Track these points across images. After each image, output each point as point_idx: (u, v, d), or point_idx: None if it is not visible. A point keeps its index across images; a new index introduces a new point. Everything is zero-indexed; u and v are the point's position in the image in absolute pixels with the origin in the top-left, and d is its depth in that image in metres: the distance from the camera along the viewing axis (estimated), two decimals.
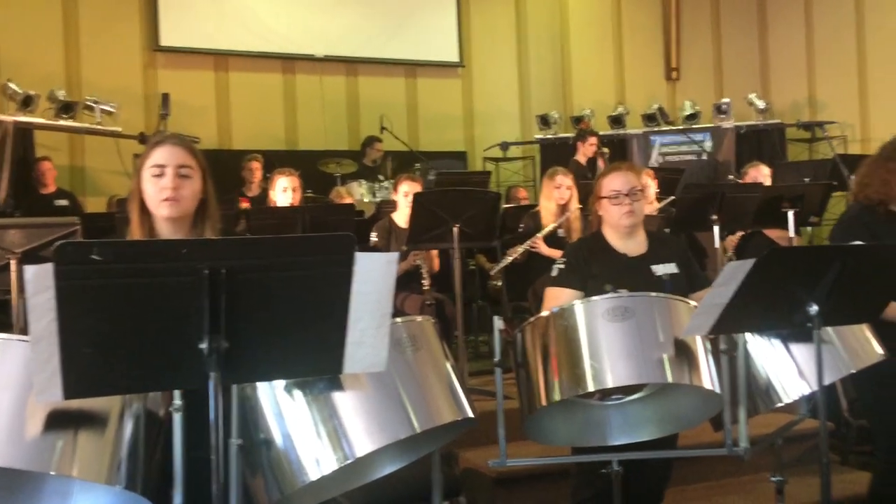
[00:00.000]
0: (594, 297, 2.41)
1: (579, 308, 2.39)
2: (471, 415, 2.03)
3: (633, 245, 2.89)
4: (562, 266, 2.86)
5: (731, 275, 2.08)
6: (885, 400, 2.97)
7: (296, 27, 9.16)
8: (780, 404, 2.57)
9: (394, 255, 1.65)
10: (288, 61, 9.16)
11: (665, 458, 2.83)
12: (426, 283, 4.47)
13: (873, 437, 3.37)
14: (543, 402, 2.35)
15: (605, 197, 2.87)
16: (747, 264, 2.07)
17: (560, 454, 2.89)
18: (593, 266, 2.82)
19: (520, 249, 4.83)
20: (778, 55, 10.27)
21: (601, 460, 2.56)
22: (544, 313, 2.45)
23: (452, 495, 3.14)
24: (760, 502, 3.28)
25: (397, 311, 4.50)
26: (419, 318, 2.07)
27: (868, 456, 4.09)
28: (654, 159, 9.38)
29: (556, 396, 2.35)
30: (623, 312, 2.33)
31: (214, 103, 8.85)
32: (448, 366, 2.08)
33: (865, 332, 2.61)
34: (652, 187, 5.53)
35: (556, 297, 2.79)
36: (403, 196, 4.72)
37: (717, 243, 4.96)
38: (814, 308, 2.20)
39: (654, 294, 2.45)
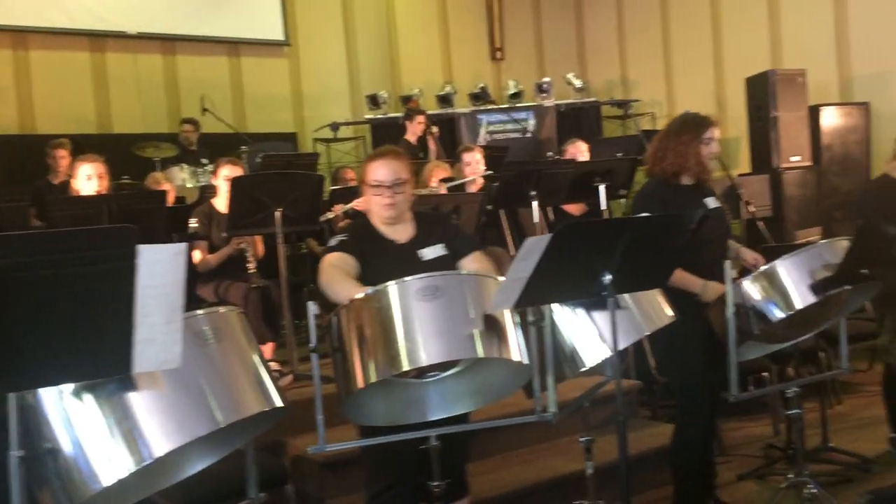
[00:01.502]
0: (407, 278, 2.43)
1: (393, 289, 2.41)
2: (279, 404, 2.00)
3: (400, 231, 2.86)
4: (343, 238, 2.82)
5: (531, 249, 2.18)
6: (676, 357, 3.24)
7: (105, 2, 8.55)
8: (584, 369, 2.73)
9: (181, 246, 1.58)
10: (97, 39, 8.55)
11: (463, 435, 2.83)
12: (251, 267, 4.34)
13: (671, 391, 3.67)
14: (360, 384, 2.36)
15: (368, 185, 2.81)
16: (545, 239, 2.17)
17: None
18: (362, 250, 2.79)
19: (339, 208, 4.84)
20: (593, 36, 10.81)
21: (420, 436, 2.60)
22: (358, 295, 2.44)
23: (279, 485, 3.10)
24: (574, 461, 3.48)
25: (220, 299, 4.37)
26: (222, 309, 2.01)
27: (673, 409, 4.46)
28: (482, 137, 9.61)
29: (373, 377, 2.37)
30: (434, 291, 2.37)
31: (13, 84, 8.12)
32: (255, 356, 2.03)
33: (658, 297, 2.82)
34: (480, 164, 5.70)
35: (337, 261, 2.73)
36: (224, 180, 4.56)
37: (535, 218, 5.16)
38: (608, 277, 2.35)
39: (464, 272, 2.52)
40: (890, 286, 3.34)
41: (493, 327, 2.41)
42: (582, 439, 2.91)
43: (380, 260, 2.75)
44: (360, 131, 9.87)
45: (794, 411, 3.13)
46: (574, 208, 5.77)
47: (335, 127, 9.37)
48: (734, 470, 4.07)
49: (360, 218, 2.96)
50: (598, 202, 5.35)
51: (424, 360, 2.36)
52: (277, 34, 9.64)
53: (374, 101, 9.45)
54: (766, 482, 3.90)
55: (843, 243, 2.90)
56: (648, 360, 4.69)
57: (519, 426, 3.35)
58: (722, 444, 4.35)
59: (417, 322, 2.36)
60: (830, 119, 7.63)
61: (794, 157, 7.45)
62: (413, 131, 7.55)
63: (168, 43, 8.98)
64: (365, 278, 2.67)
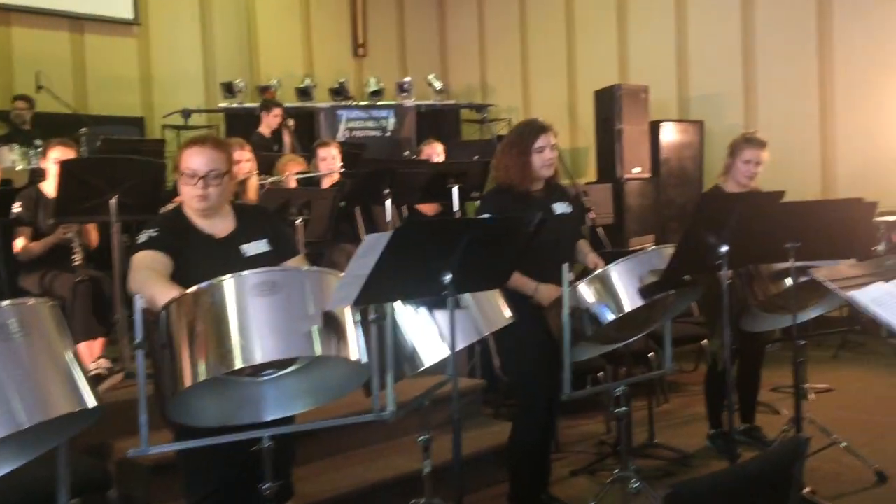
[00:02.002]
0: (244, 272, 2.35)
1: (229, 283, 2.32)
2: (91, 405, 1.87)
3: (219, 224, 2.73)
4: (153, 234, 2.65)
5: (371, 246, 2.16)
6: (515, 357, 3.33)
7: None
8: (424, 367, 2.74)
9: None
10: None
11: (286, 438, 2.75)
12: (77, 258, 4.06)
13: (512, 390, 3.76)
14: (188, 382, 2.26)
15: (181, 174, 2.66)
16: (385, 236, 2.16)
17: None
18: (176, 244, 2.65)
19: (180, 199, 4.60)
20: (455, 39, 10.97)
21: (252, 437, 2.52)
22: (191, 289, 2.33)
23: (102, 490, 2.91)
24: (415, 460, 3.49)
25: (45, 291, 4.06)
26: (32, 301, 1.85)
27: (515, 408, 4.58)
28: (342, 134, 9.52)
29: (203, 375, 2.27)
30: (272, 287, 2.30)
31: None
32: (68, 353, 1.89)
33: (497, 298, 2.88)
34: (337, 160, 5.63)
35: (147, 260, 2.58)
36: (53, 163, 4.24)
37: (388, 216, 5.16)
38: (448, 277, 2.38)
39: (304, 267, 2.47)
40: (710, 291, 3.59)
41: (332, 325, 2.37)
42: (420, 438, 2.91)
43: (196, 255, 2.62)
44: (213, 120, 9.51)
45: (620, 409, 3.29)
46: (428, 208, 5.82)
47: (186, 114, 8.97)
48: (568, 466, 4.23)
49: (174, 209, 2.78)
50: (452, 203, 5.43)
51: (259, 357, 2.29)
52: (127, 13, 9.13)
53: (229, 89, 9.14)
54: (596, 477, 4.07)
55: (669, 250, 3.08)
56: (493, 359, 4.79)
57: (360, 425, 3.32)
58: (558, 442, 4.52)
59: (253, 318, 2.28)
60: (669, 134, 8.14)
61: (636, 169, 7.88)
62: (268, 123, 7.37)
63: (2, 13, 8.28)
64: (180, 275, 2.54)
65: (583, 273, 3.38)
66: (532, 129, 3.37)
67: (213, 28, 9.73)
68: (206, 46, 9.72)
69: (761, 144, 4.13)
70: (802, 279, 3.37)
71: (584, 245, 3.61)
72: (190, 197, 2.65)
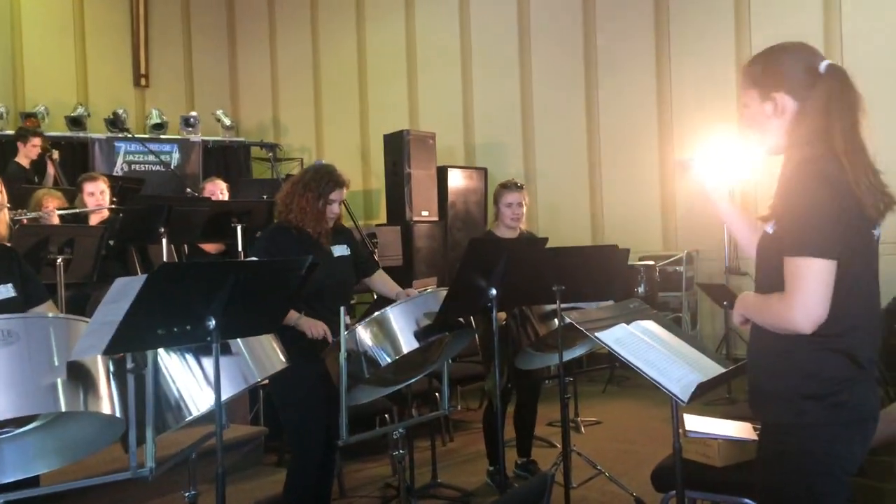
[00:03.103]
0: None
1: None
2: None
3: None
4: None
5: (122, 291, 2.00)
6: (290, 401, 3.24)
7: None
8: (190, 418, 2.57)
9: None
10: None
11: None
12: None
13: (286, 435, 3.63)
14: None
15: None
16: (138, 280, 2.02)
17: None
18: None
19: None
20: (246, 76, 10.73)
21: None
22: None
23: None
24: None
25: None
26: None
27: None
28: (119, 166, 8.94)
29: None
30: (6, 336, 2.07)
31: None
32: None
33: (272, 342, 2.79)
34: (106, 195, 5.25)
35: None
36: None
37: (164, 255, 4.88)
38: (212, 322, 2.26)
39: (50, 314, 2.25)
40: (486, 333, 3.73)
41: (79, 376, 2.17)
42: (187, 494, 2.72)
43: None
44: None
45: (398, 452, 3.29)
46: (211, 247, 5.59)
47: None
48: None
49: None
50: (236, 242, 5.26)
51: None
52: None
53: None
54: None
55: (444, 293, 3.15)
56: None
57: (119, 484, 3.05)
58: (342, 487, 4.45)
59: None
60: (456, 180, 8.46)
61: (424, 212, 8.09)
62: (26, 154, 6.73)
63: None
64: None
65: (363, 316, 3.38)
66: (330, 180, 3.36)
67: None
68: None
69: (518, 188, 4.40)
70: (567, 321, 3.59)
71: (384, 277, 3.61)
72: None
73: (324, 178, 3.35)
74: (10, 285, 2.49)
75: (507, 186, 4.38)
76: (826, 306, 1.75)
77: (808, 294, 1.74)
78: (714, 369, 2.14)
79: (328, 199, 3.33)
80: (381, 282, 3.60)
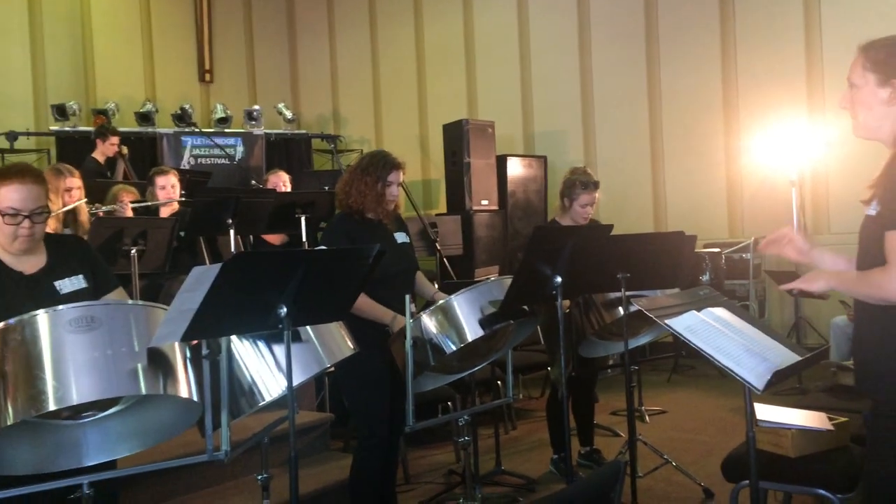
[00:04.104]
0: (59, 307, 2.18)
1: (42, 319, 2.15)
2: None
3: (28, 260, 2.53)
4: None
5: (198, 280, 2.06)
6: (356, 388, 3.29)
7: None
8: (262, 403, 2.64)
9: None
10: None
11: (109, 484, 2.55)
12: None
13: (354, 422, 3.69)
14: None
15: (3, 213, 2.44)
16: (214, 269, 2.07)
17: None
18: None
19: None
20: (306, 70, 10.89)
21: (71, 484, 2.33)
22: None
23: None
24: (254, 500, 3.36)
25: None
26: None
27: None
28: (186, 161, 9.18)
29: (10, 419, 2.08)
30: (89, 322, 2.15)
31: None
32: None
33: (339, 329, 2.83)
34: (177, 188, 5.42)
35: None
36: None
37: (232, 246, 5.00)
38: (283, 310, 2.31)
39: (129, 301, 2.33)
40: (550, 321, 3.71)
41: (158, 362, 2.24)
42: (259, 477, 2.80)
43: (4, 294, 2.41)
44: (43, 144, 8.91)
45: (463, 439, 3.31)
46: (274, 238, 5.70)
47: (13, 136, 8.36)
48: (417, 497, 4.21)
49: None
50: (300, 233, 5.35)
51: (75, 398, 2.12)
52: None
53: (61, 111, 8.59)
54: None
55: (509, 281, 3.15)
56: None
57: (195, 467, 3.16)
58: (407, 473, 4.50)
59: (69, 356, 2.12)
60: (515, 168, 8.43)
61: (484, 201, 8.09)
62: (103, 151, 6.97)
63: None
64: None
65: (425, 305, 3.41)
66: (387, 163, 3.40)
67: (44, 47, 9.14)
68: (37, 66, 9.11)
69: (595, 186, 4.27)
70: (633, 308, 3.54)
71: (423, 278, 3.65)
72: (10, 237, 2.44)
73: (380, 162, 3.39)
74: (80, 276, 2.55)
75: (587, 186, 4.22)
76: None
77: None
78: (790, 357, 2.09)
79: (386, 181, 3.36)
80: (420, 283, 3.62)
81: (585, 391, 4.56)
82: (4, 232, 2.44)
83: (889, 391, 1.90)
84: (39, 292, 2.45)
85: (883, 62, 1.97)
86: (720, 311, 2.18)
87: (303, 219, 5.34)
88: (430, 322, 3.07)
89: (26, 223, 2.43)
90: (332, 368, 3.05)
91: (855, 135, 2.07)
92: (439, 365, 3.21)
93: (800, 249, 2.19)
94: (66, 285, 2.51)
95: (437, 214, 8.26)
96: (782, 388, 5.62)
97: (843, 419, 2.98)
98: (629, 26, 8.48)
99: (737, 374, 1.95)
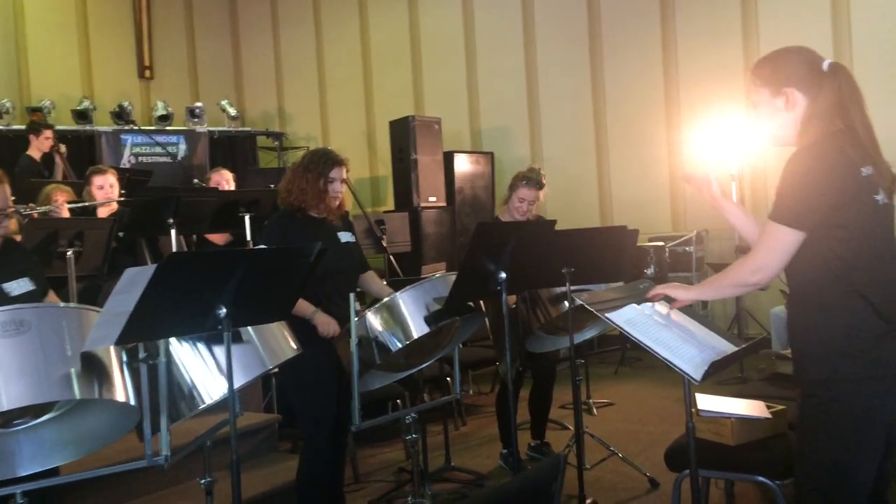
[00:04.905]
0: None
1: None
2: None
3: None
4: None
5: (133, 281, 2.01)
6: (301, 388, 3.25)
7: None
8: (203, 406, 2.58)
9: None
10: None
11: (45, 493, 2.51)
12: None
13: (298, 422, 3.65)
14: None
15: None
16: (149, 270, 2.02)
17: None
18: None
19: None
20: (250, 66, 10.72)
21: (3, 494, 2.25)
22: None
23: None
24: None
25: None
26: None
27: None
28: (126, 159, 8.96)
29: None
30: (18, 326, 2.08)
31: None
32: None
33: (283, 330, 2.80)
34: (115, 188, 5.28)
35: None
36: None
37: (174, 246, 4.90)
38: (223, 311, 2.26)
39: (61, 304, 2.26)
40: (497, 316, 3.73)
41: (93, 366, 2.18)
42: (202, 481, 2.75)
43: None
44: None
45: (411, 436, 3.30)
46: (218, 237, 5.60)
47: None
48: (367, 496, 4.18)
49: None
50: (244, 232, 5.26)
51: (5, 404, 2.06)
52: None
53: None
54: None
55: (453, 277, 3.15)
56: None
57: (137, 473, 3.08)
58: (356, 472, 4.47)
59: None
60: (462, 165, 8.44)
61: (432, 198, 8.08)
62: (38, 146, 6.76)
63: None
64: None
65: (372, 303, 3.39)
66: (328, 159, 3.38)
67: None
68: None
69: (538, 185, 4.31)
70: (577, 303, 3.58)
71: (375, 277, 3.62)
72: None
73: (321, 159, 3.38)
74: (27, 279, 2.52)
75: (528, 181, 4.26)
76: (779, 268, 2.00)
77: (766, 255, 1.99)
78: (727, 348, 2.13)
79: (328, 177, 3.34)
80: (372, 282, 3.60)
81: (543, 385, 4.59)
82: None
83: (818, 373, 1.97)
84: None
85: (770, 75, 2.10)
86: (659, 305, 2.22)
87: (247, 217, 5.24)
88: (375, 320, 3.05)
89: None
90: (276, 370, 3.02)
91: (771, 145, 2.19)
92: (385, 363, 3.20)
93: (713, 195, 2.39)
94: (14, 287, 2.49)
95: (384, 212, 8.23)
96: (724, 377, 5.75)
97: (780, 407, 3.05)
98: (573, 24, 8.56)
99: (675, 366, 1.99)
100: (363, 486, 4.37)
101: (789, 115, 2.07)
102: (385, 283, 3.87)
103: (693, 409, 2.68)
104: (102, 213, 5.16)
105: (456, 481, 4.38)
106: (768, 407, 3.04)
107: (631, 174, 8.27)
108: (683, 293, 2.22)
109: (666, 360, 2.00)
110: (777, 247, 1.98)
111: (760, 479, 2.82)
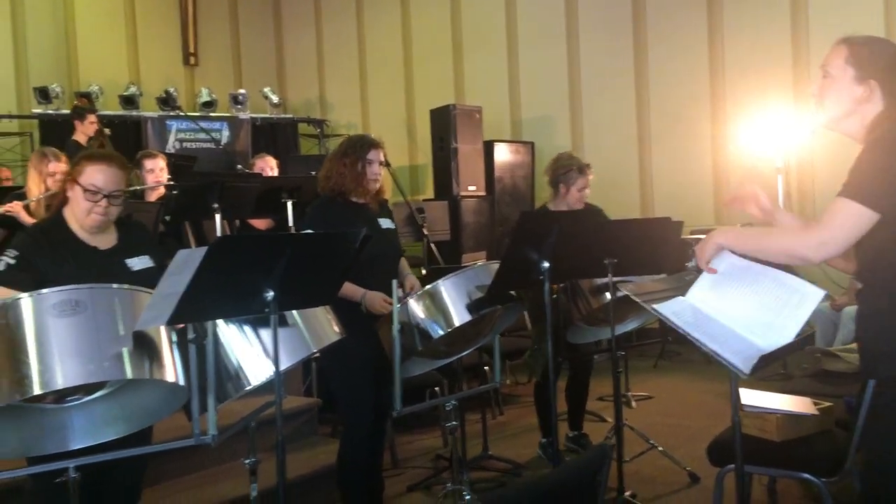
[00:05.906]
0: (43, 290, 2.17)
1: (25, 302, 2.14)
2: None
3: (103, 238, 2.70)
4: (11, 261, 2.50)
5: (184, 263, 2.05)
6: (342, 373, 3.28)
7: None
8: (248, 388, 2.63)
9: None
10: None
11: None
12: None
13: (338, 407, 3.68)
14: None
15: (81, 187, 2.61)
16: (199, 252, 2.05)
17: (13, 467, 2.55)
18: (54, 258, 2.55)
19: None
20: (292, 53, 10.80)
21: (58, 468, 2.32)
22: None
23: None
24: (242, 485, 3.35)
25: None
26: None
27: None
28: (171, 144, 9.11)
29: None
30: (74, 306, 2.14)
31: None
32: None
33: (326, 314, 2.82)
34: (164, 172, 5.38)
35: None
36: None
37: (218, 231, 4.96)
38: (270, 294, 2.30)
39: (114, 285, 2.30)
40: (537, 306, 3.71)
41: (144, 346, 2.23)
42: (247, 461, 2.79)
43: (77, 266, 2.52)
44: (26, 126, 8.81)
45: (450, 423, 3.31)
46: (260, 223, 5.67)
47: None
48: (405, 482, 4.22)
49: (54, 218, 2.68)
50: (286, 218, 5.31)
51: (60, 382, 2.12)
52: None
53: (44, 94, 8.49)
54: (432, 492, 4.08)
55: (496, 266, 3.15)
56: None
57: (184, 450, 3.14)
58: (395, 457, 4.51)
59: (53, 340, 2.12)
60: (502, 154, 8.41)
61: (471, 187, 8.07)
62: (84, 131, 6.88)
63: None
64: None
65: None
66: (364, 143, 3.42)
67: (26, 30, 9.03)
68: (18, 49, 9.00)
69: (590, 169, 4.31)
70: (620, 294, 3.55)
71: (404, 264, 3.64)
72: (86, 214, 2.61)
73: (358, 143, 3.43)
74: (147, 257, 2.71)
75: (582, 170, 4.25)
76: (844, 248, 1.88)
77: (835, 230, 1.88)
78: (778, 339, 2.07)
79: (366, 159, 3.37)
80: (402, 269, 3.62)
81: (579, 377, 4.58)
82: (82, 207, 2.60)
83: (891, 369, 1.90)
84: (111, 268, 2.59)
85: (866, 60, 1.97)
86: (706, 295, 2.18)
87: (289, 203, 5.29)
88: (417, 307, 3.07)
89: (103, 202, 2.59)
90: (318, 354, 3.04)
91: (823, 126, 2.07)
92: (426, 350, 3.21)
93: (763, 207, 2.22)
94: (136, 263, 2.67)
95: (424, 200, 8.24)
96: (767, 373, 5.66)
97: (827, 404, 3.00)
98: (616, 12, 8.45)
99: (722, 358, 1.95)
100: (401, 471, 4.40)
101: (860, 108, 1.97)
102: (423, 271, 3.88)
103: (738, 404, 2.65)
104: (151, 197, 5.25)
105: (493, 469, 4.39)
106: (815, 404, 2.99)
107: (674, 165, 8.16)
108: (721, 238, 2.05)
109: (714, 352, 1.97)
110: (848, 224, 1.85)
111: (806, 476, 2.78)
